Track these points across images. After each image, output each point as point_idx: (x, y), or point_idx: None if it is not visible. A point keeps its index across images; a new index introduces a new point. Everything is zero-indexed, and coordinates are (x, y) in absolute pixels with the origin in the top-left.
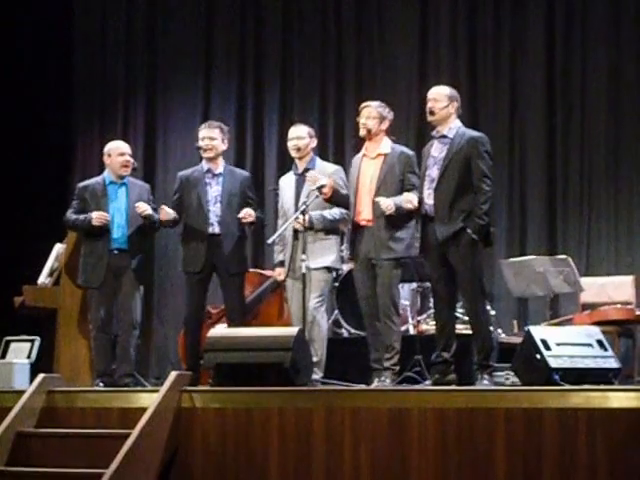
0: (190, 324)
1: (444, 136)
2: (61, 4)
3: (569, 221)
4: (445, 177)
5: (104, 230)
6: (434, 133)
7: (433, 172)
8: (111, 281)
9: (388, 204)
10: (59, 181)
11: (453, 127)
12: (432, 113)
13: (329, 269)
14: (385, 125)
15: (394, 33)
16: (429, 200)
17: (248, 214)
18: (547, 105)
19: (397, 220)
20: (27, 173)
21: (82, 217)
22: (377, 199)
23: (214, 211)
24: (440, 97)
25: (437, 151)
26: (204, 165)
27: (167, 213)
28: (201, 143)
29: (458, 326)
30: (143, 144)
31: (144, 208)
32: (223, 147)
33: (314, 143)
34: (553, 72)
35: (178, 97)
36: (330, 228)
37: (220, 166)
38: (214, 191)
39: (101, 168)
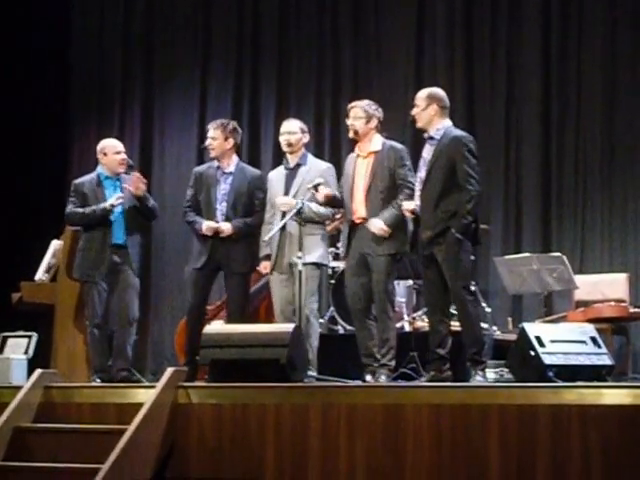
0: (189, 319)
1: (431, 137)
2: (59, 4)
3: (563, 219)
4: (431, 178)
5: (104, 223)
6: (425, 135)
7: (422, 174)
8: (108, 276)
9: (380, 227)
10: (56, 179)
11: (440, 128)
12: (415, 120)
13: (317, 265)
14: (373, 123)
15: (391, 32)
16: (417, 201)
17: (212, 227)
18: (543, 105)
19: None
20: (24, 171)
21: (93, 207)
22: (367, 225)
23: (220, 209)
24: (419, 102)
25: (426, 152)
26: (216, 162)
27: (209, 228)
28: (206, 142)
29: (452, 323)
30: (140, 142)
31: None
32: (226, 145)
33: (306, 138)
34: (549, 72)
35: (175, 95)
36: (315, 220)
37: (231, 164)
38: (222, 189)
39: (97, 165)
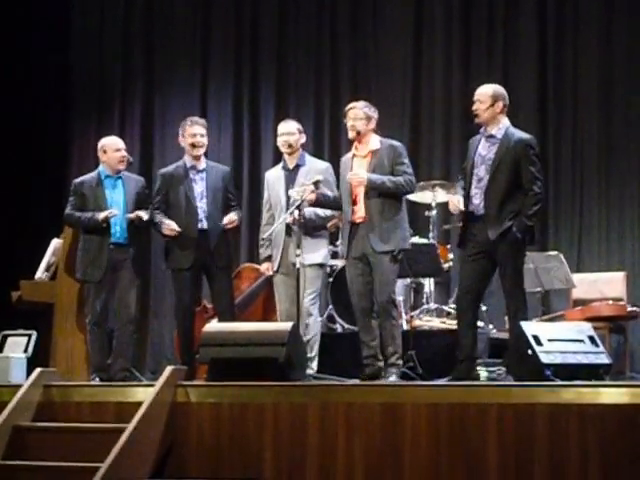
0: (183, 320)
1: (492, 136)
2: (59, 4)
3: (561, 217)
4: (495, 178)
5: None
6: (481, 131)
7: (481, 171)
8: (109, 275)
9: (356, 172)
10: (57, 177)
11: (502, 127)
12: (477, 116)
13: (321, 265)
14: (372, 124)
15: (389, 33)
16: (476, 199)
17: (230, 221)
18: (539, 103)
19: (390, 214)
20: (25, 169)
21: (88, 215)
22: (349, 176)
23: (201, 207)
24: (483, 98)
25: (485, 150)
26: (188, 161)
27: (172, 229)
28: (193, 140)
29: (449, 321)
30: (140, 140)
31: (136, 215)
32: (206, 143)
33: (303, 139)
34: (545, 71)
35: (175, 94)
36: (321, 224)
37: (202, 162)
38: (199, 187)
39: (98, 164)
